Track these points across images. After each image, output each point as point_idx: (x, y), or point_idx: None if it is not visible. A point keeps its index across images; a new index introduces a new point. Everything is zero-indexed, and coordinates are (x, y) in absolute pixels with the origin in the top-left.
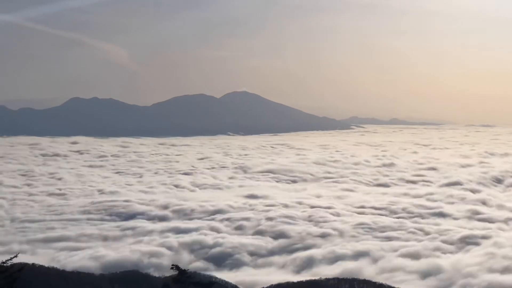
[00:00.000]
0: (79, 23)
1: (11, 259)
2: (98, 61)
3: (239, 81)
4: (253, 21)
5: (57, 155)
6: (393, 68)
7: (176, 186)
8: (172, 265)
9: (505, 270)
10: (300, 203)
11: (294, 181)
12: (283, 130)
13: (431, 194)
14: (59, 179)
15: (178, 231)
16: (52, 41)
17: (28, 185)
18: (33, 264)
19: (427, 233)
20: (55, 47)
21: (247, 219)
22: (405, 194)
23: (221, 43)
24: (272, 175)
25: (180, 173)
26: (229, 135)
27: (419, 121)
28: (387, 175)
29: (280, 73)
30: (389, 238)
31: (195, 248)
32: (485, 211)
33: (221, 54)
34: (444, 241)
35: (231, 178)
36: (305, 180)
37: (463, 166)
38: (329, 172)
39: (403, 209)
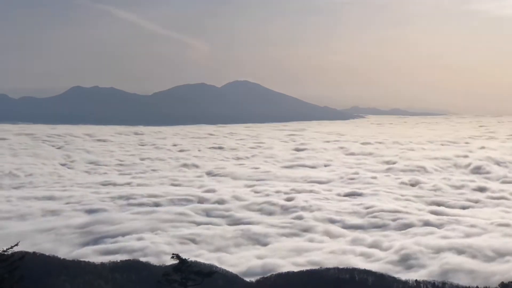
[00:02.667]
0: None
1: (12, 247)
2: (99, 48)
3: (240, 71)
4: (256, 10)
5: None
6: (394, 58)
7: None
8: (173, 254)
9: None
10: None
11: None
12: (284, 120)
13: None
14: None
15: None
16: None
17: None
18: (33, 252)
19: None
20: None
21: None
22: None
23: (222, 32)
24: None
25: None
26: (230, 124)
27: (420, 111)
28: None
29: (281, 63)
30: None
31: None
32: None
33: (223, 42)
34: None
35: None
36: None
37: None
38: None
39: None
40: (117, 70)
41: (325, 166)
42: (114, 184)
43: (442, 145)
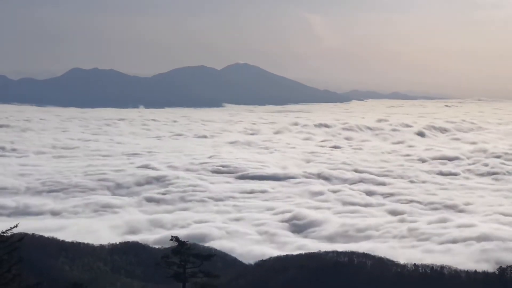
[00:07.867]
0: None
1: (11, 229)
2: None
3: (240, 53)
4: None
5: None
6: (393, 42)
7: None
8: (172, 236)
9: None
10: None
11: None
12: (284, 103)
13: None
14: None
15: None
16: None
17: None
18: (33, 234)
19: None
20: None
21: None
22: None
23: (222, 14)
24: None
25: None
26: (225, 106)
27: (420, 95)
28: None
29: (282, 46)
30: None
31: None
32: None
33: (222, 25)
34: None
35: None
36: None
37: None
38: None
39: None
40: (117, 52)
41: None
42: None
43: None
